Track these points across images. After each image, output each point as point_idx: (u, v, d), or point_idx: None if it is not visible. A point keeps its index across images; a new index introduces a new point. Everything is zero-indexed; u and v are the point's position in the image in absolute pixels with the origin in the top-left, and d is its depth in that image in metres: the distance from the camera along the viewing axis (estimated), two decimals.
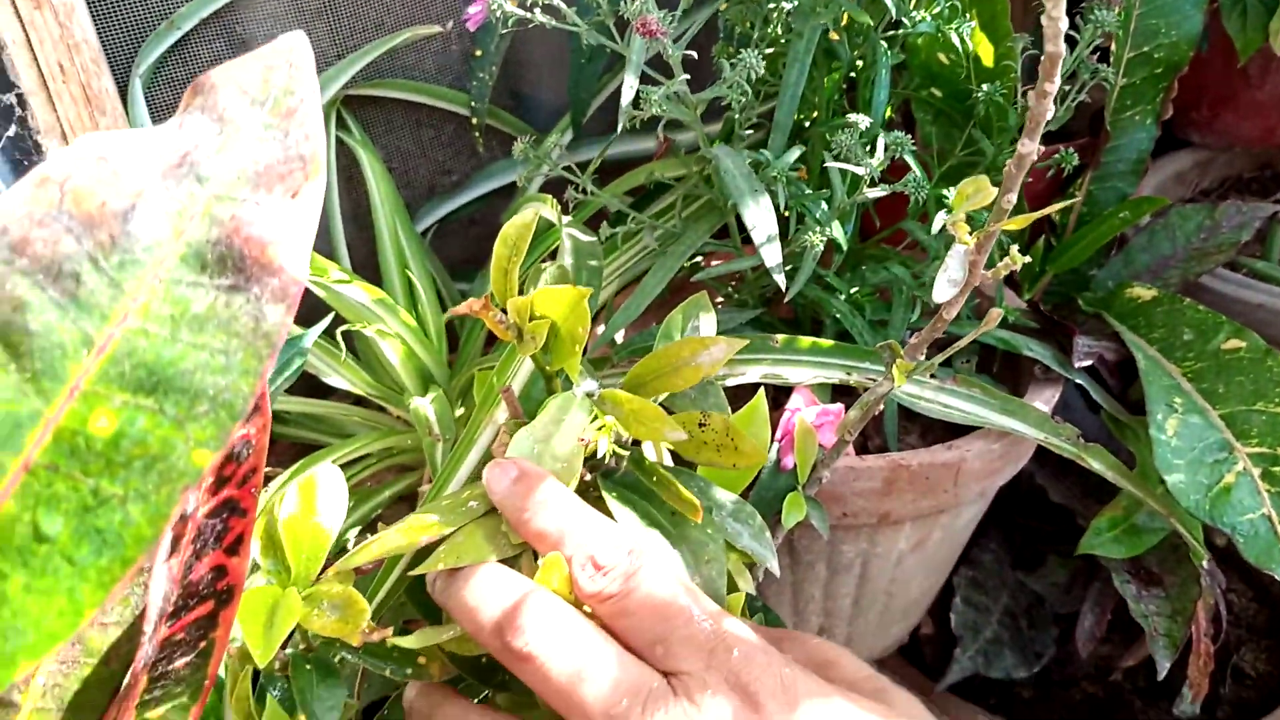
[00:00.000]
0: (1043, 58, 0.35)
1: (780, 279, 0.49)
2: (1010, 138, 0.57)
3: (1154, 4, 0.62)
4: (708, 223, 0.59)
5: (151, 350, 0.25)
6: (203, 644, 0.35)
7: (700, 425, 0.45)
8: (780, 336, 0.56)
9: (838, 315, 0.57)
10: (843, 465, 0.54)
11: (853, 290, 0.59)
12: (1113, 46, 0.63)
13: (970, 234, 0.41)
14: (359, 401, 0.74)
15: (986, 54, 0.57)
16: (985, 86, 0.53)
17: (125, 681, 0.34)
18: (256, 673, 0.44)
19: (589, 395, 0.46)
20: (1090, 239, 0.67)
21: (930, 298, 0.57)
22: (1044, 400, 0.58)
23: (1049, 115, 0.37)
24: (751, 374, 0.56)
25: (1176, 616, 0.56)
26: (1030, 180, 0.59)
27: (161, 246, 0.26)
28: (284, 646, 0.44)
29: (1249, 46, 0.70)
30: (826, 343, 0.56)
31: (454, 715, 0.37)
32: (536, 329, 0.44)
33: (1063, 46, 0.33)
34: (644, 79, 0.50)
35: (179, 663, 0.35)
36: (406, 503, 0.70)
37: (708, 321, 0.52)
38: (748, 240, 0.61)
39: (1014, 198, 0.40)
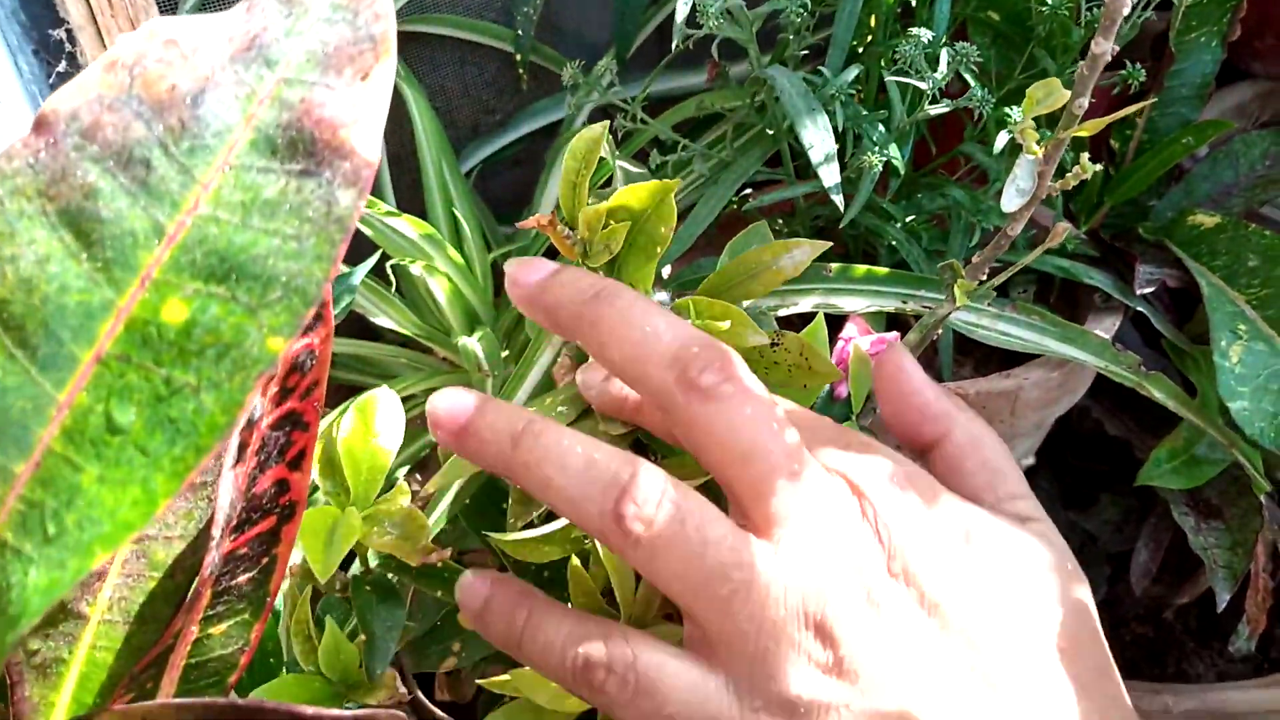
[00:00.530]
0: None
1: (838, 200, 0.48)
2: (1073, 57, 0.55)
3: None
4: (759, 150, 0.58)
5: (223, 237, 0.25)
6: (265, 560, 0.35)
7: (773, 345, 0.44)
8: (834, 265, 0.55)
9: (894, 243, 0.56)
10: None
11: (909, 218, 0.58)
12: None
13: (1039, 142, 0.40)
14: (405, 344, 0.74)
15: None
16: (1050, 1, 0.52)
17: (190, 593, 0.35)
18: (314, 599, 0.44)
19: (663, 305, 0.45)
20: (1151, 166, 0.65)
21: (989, 224, 0.56)
22: (1104, 329, 0.57)
23: (1125, 10, 0.35)
24: (804, 304, 0.55)
25: (1237, 549, 0.55)
26: (1093, 100, 0.57)
27: (231, 131, 0.25)
28: (345, 570, 0.44)
29: None
30: (882, 270, 0.55)
31: (544, 608, 0.31)
32: (612, 234, 0.43)
33: None
34: None
35: (241, 578, 0.35)
36: None
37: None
38: (801, 172, 0.60)
39: (1085, 102, 0.39)
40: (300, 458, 0.34)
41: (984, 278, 0.46)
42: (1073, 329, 0.54)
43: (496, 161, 0.81)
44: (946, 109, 0.50)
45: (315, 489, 0.45)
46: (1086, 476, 0.72)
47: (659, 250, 0.43)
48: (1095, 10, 0.53)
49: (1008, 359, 0.59)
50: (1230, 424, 0.54)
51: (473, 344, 0.63)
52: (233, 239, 0.25)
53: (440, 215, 0.71)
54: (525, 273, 0.34)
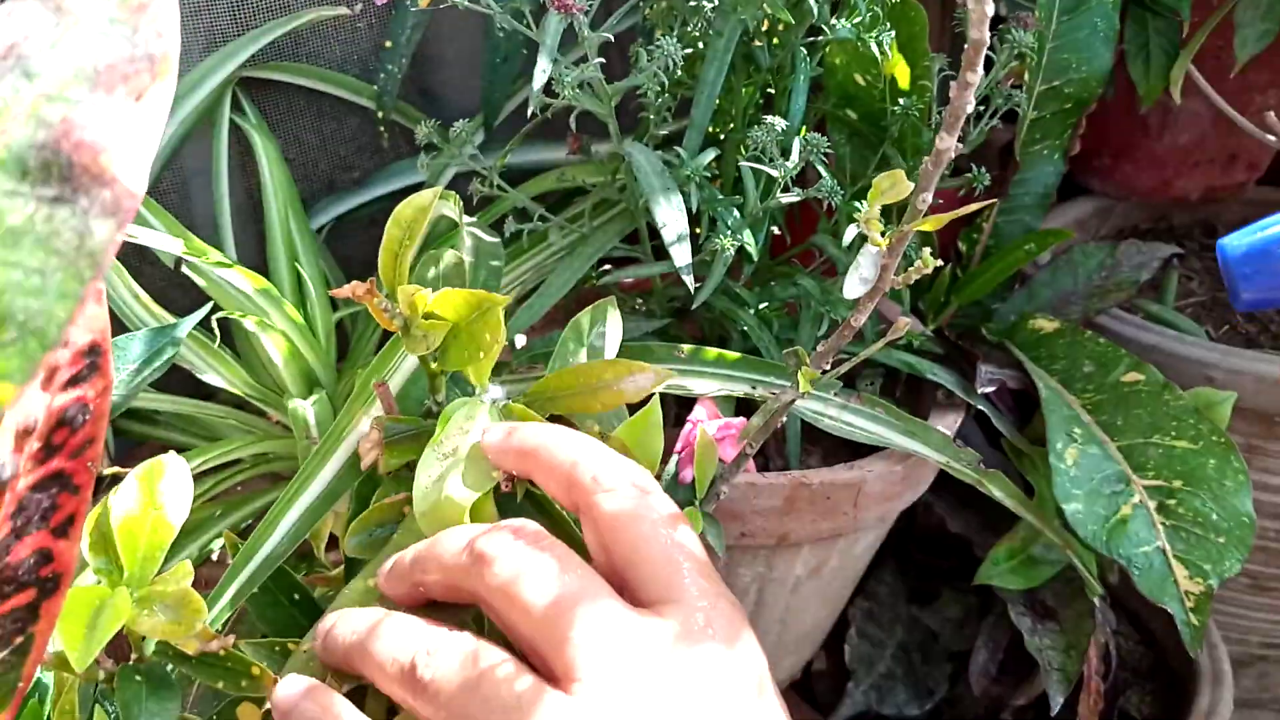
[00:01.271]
0: (966, 46, 0.33)
1: (689, 280, 0.47)
2: (924, 157, 0.56)
3: (1066, 39, 0.63)
4: (618, 227, 0.57)
5: None
6: (19, 639, 0.31)
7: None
8: (686, 346, 0.54)
9: (745, 328, 0.56)
10: (743, 482, 0.52)
11: (761, 305, 0.58)
12: (1025, 77, 0.64)
13: (883, 234, 0.40)
14: (237, 404, 0.70)
15: (903, 75, 0.57)
16: (902, 101, 0.53)
17: None
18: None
19: (495, 403, 0.43)
20: (996, 269, 0.67)
21: (838, 314, 0.56)
22: (946, 425, 0.57)
23: (968, 109, 0.36)
24: None
25: (1070, 651, 0.55)
26: (940, 202, 0.59)
27: None
28: (121, 659, 0.39)
29: (1151, 94, 0.72)
30: (733, 355, 0.54)
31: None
32: (431, 328, 0.41)
33: (987, 34, 0.32)
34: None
35: None
36: None
37: (614, 326, 0.50)
38: (659, 251, 0.60)
39: (929, 197, 0.39)
40: (68, 524, 0.30)
41: (828, 367, 0.45)
42: (915, 423, 0.54)
43: (351, 220, 0.78)
44: (798, 198, 0.50)
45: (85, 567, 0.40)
46: (929, 572, 0.72)
47: (482, 354, 0.41)
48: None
49: (856, 450, 0.58)
50: (1065, 526, 0.54)
51: (304, 408, 0.59)
52: None
53: (284, 270, 0.67)
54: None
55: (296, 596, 0.44)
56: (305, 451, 0.56)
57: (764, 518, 0.53)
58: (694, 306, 0.52)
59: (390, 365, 0.49)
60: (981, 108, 0.57)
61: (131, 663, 0.37)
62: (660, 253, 0.59)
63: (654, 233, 0.58)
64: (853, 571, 0.63)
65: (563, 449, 0.36)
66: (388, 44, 0.71)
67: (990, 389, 0.58)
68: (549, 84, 0.49)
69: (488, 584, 0.32)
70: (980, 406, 0.58)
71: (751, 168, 0.49)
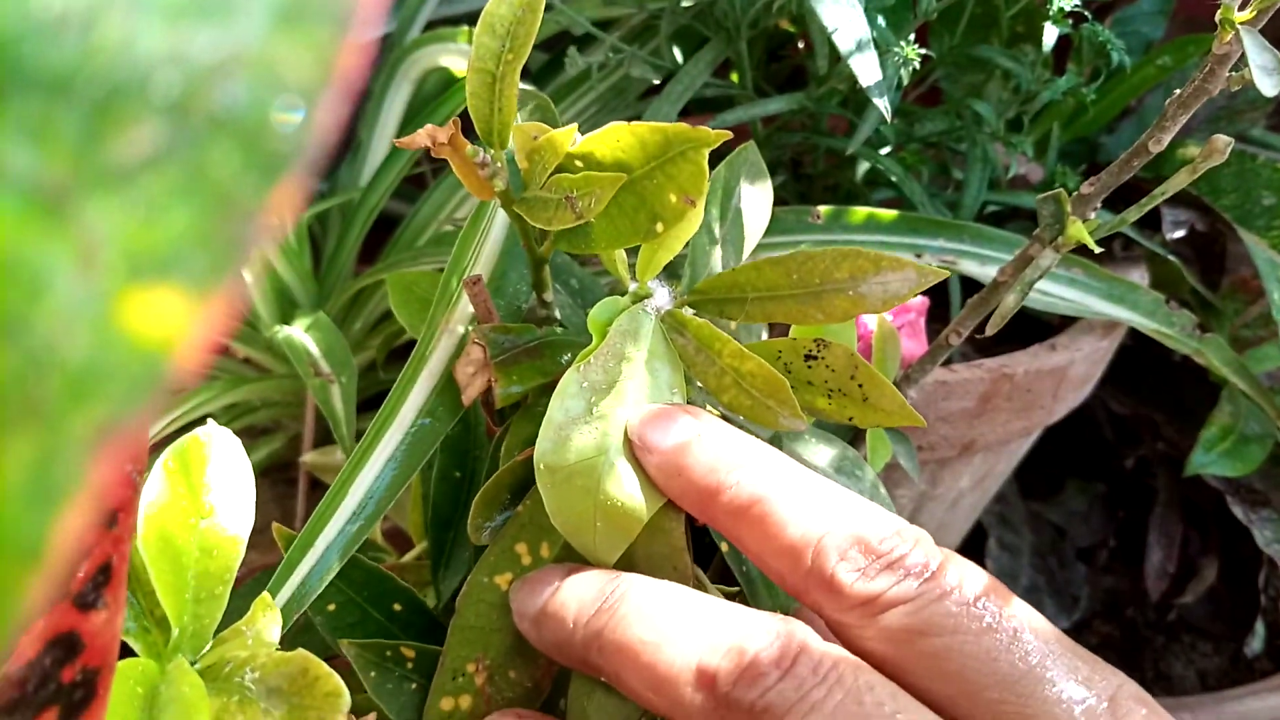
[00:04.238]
0: None
1: (882, 103, 0.33)
2: None
3: None
4: (709, 56, 0.42)
5: None
6: None
7: (808, 358, 0.30)
8: (822, 209, 0.41)
9: (893, 178, 0.42)
10: (931, 381, 0.40)
11: (893, 149, 0.45)
12: None
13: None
14: None
15: None
16: None
17: None
18: None
19: (659, 312, 0.30)
20: (1120, 91, 0.55)
21: (1024, 149, 0.43)
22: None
23: None
24: None
25: None
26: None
27: None
28: None
29: None
30: (887, 214, 0.41)
31: None
32: (586, 185, 0.27)
33: None
34: None
35: None
36: (271, 479, 0.50)
37: (759, 185, 0.36)
38: (760, 88, 0.45)
39: None
40: (101, 582, 0.17)
41: (1097, 209, 0.33)
42: (1120, 284, 0.42)
43: None
44: None
45: None
46: (1039, 457, 0.62)
47: (660, 227, 0.28)
48: None
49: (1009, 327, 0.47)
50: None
51: (299, 335, 0.44)
52: None
53: None
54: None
55: (397, 608, 0.30)
56: (321, 391, 0.40)
57: (950, 424, 0.41)
58: (850, 151, 0.38)
59: (468, 254, 0.34)
60: None
61: None
62: (761, 89, 0.45)
63: (760, 60, 0.44)
64: (1008, 475, 0.52)
65: (781, 505, 0.23)
66: None
67: (1180, 234, 0.47)
68: None
69: None
70: (1169, 256, 0.47)
71: None
